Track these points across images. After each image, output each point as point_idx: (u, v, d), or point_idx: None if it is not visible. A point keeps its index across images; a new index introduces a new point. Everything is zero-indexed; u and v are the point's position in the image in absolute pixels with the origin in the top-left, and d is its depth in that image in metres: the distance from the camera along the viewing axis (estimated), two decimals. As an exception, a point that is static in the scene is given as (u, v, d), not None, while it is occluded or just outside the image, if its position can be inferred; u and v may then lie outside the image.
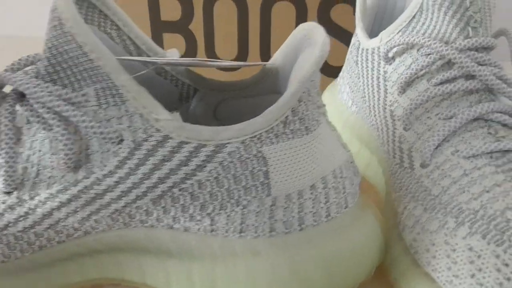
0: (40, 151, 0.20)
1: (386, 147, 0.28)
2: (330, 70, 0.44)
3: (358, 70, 0.33)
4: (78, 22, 0.18)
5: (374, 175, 0.32)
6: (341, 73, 0.37)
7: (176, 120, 0.19)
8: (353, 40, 0.34)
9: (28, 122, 0.21)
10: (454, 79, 0.26)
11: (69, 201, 0.20)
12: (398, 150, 0.27)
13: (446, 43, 0.26)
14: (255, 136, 0.19)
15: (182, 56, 0.45)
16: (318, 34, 0.20)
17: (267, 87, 0.24)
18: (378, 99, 0.30)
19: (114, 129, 0.19)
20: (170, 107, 0.26)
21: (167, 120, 0.19)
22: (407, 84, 0.28)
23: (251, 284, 0.21)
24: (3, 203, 0.20)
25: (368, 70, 0.31)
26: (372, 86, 0.31)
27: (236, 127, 0.19)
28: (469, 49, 0.25)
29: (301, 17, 0.42)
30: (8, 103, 0.20)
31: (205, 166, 0.19)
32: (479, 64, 0.25)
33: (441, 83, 0.26)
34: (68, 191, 0.20)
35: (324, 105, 0.22)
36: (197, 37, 0.44)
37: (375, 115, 0.30)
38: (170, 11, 0.43)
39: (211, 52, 0.45)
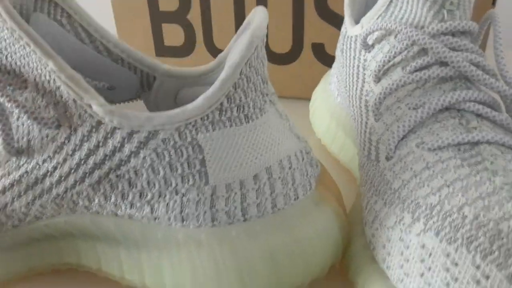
0: (-12, 136, 0.20)
1: (359, 139, 0.27)
2: (328, 60, 0.42)
3: (343, 59, 0.32)
4: (5, 6, 0.18)
5: (356, 168, 0.31)
6: (334, 64, 0.36)
7: (107, 106, 0.18)
8: (342, 28, 0.33)
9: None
10: (428, 66, 0.24)
11: (12, 185, 0.20)
12: (367, 141, 0.25)
13: (422, 27, 0.24)
14: (189, 123, 0.19)
15: (181, 46, 0.45)
16: (256, 18, 0.19)
17: (224, 74, 0.23)
18: (356, 89, 0.28)
19: (51, 115, 0.19)
20: (133, 95, 0.25)
21: (99, 106, 0.18)
22: (383, 73, 0.26)
23: (195, 275, 0.21)
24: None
25: (350, 58, 0.30)
26: (353, 75, 0.29)
27: (169, 114, 0.18)
28: (443, 33, 0.24)
29: (298, 6, 0.41)
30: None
31: (138, 153, 0.19)
32: (454, 49, 0.23)
33: (415, 70, 0.24)
34: (11, 175, 0.20)
35: (272, 93, 0.21)
36: (195, 28, 0.44)
37: (353, 105, 0.29)
38: (168, 1, 0.44)
39: (209, 43, 0.44)
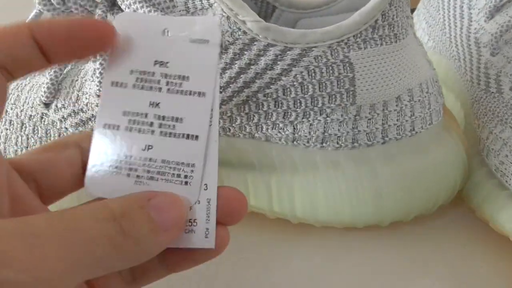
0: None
1: (468, 76, 0.27)
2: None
3: (438, 3, 0.31)
4: None
5: (451, 109, 0.31)
6: (416, 11, 0.36)
7: (262, 22, 0.19)
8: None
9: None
10: (551, -1, 0.24)
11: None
12: (483, 76, 0.25)
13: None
14: (342, 41, 0.19)
15: None
16: None
17: (346, 4, 0.23)
18: (461, 28, 0.28)
19: (202, 33, 0.19)
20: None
21: (254, 22, 0.19)
22: (496, 9, 0.26)
23: (330, 197, 0.21)
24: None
25: (450, 0, 0.30)
26: (454, 16, 0.29)
27: (323, 30, 0.19)
28: None
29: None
30: (100, 12, 0.21)
31: (290, 70, 0.19)
32: None
33: (536, 4, 0.24)
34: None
35: (412, 17, 0.21)
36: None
37: (456, 46, 0.29)
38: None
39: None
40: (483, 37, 0.26)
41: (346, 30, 0.19)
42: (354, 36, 0.19)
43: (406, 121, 0.20)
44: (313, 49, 0.19)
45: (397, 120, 0.20)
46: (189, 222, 0.14)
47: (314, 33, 0.19)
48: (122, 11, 0.21)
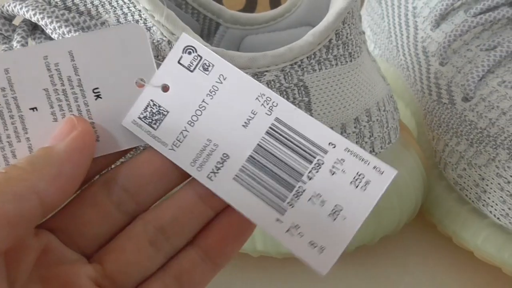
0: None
1: (419, 86, 0.27)
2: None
3: (382, 10, 0.31)
4: None
5: (402, 118, 0.31)
6: (359, 18, 0.35)
7: (208, 46, 0.17)
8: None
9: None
10: (496, 7, 0.24)
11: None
12: (434, 86, 0.25)
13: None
14: (295, 63, 0.17)
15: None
16: None
17: (296, 19, 0.22)
18: (408, 37, 0.28)
19: (140, 60, 0.17)
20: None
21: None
22: (442, 18, 0.26)
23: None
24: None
25: (394, 8, 0.29)
26: (400, 24, 0.29)
27: (274, 53, 0.17)
28: (512, -28, 0.23)
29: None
30: (19, 38, 0.18)
31: (242, 98, 0.17)
32: (523, -12, 0.23)
33: (481, 13, 0.24)
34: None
35: (364, 33, 0.20)
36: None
37: (404, 54, 0.28)
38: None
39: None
40: (430, 46, 0.26)
41: (299, 51, 0.17)
42: (307, 57, 0.17)
43: (366, 142, 0.19)
44: (265, 73, 0.17)
45: (356, 142, 0.19)
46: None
47: (264, 57, 0.17)
48: (45, 35, 0.18)
